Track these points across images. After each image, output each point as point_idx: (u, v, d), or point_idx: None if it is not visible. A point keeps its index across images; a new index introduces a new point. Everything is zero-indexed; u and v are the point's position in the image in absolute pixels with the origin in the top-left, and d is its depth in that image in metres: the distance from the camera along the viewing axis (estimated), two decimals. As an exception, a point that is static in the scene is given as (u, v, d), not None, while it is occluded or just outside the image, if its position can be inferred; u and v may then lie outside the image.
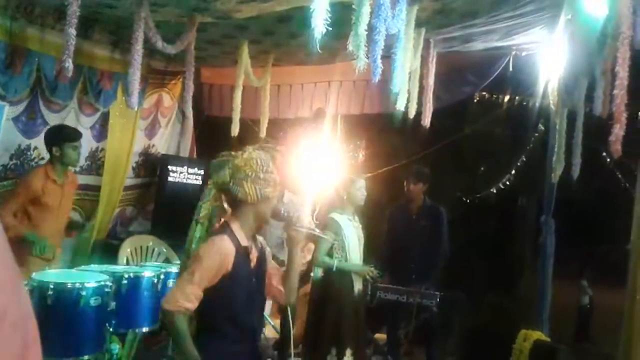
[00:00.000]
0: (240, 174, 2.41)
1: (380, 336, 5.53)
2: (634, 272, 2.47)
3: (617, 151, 2.66)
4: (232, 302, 2.41)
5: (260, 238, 2.64)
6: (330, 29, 2.34)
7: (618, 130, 2.63)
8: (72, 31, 3.16)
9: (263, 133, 5.53)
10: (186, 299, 2.28)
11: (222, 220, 2.51)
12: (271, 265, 2.69)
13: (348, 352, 4.28)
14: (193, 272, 2.30)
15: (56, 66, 4.47)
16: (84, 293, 3.14)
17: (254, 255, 2.50)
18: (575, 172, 4.15)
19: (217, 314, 2.39)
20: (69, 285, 3.15)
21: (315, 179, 6.28)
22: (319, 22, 2.14)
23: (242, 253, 2.42)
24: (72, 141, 4.14)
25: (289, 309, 5.34)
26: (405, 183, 5.24)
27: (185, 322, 2.29)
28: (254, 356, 2.57)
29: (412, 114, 4.48)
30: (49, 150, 4.15)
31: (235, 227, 2.44)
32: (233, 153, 2.50)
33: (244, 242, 2.44)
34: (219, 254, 2.34)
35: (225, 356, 2.42)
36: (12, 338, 0.79)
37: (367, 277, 4.36)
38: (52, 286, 3.08)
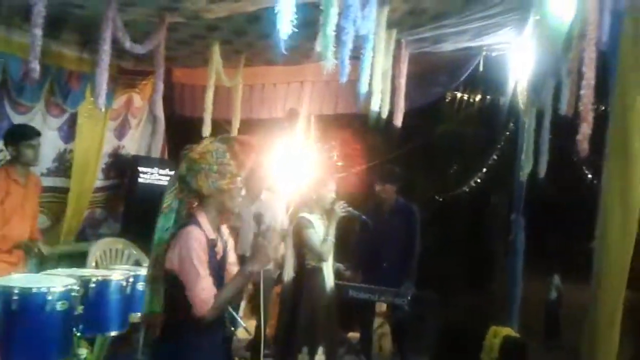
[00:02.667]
0: (195, 166, 2.47)
1: (353, 335, 5.53)
2: (597, 268, 2.52)
3: (584, 150, 2.70)
4: None
5: (223, 228, 2.67)
6: (300, 29, 2.33)
7: (585, 129, 2.67)
8: (38, 31, 3.08)
9: (235, 133, 5.49)
10: (207, 293, 2.36)
11: (189, 211, 2.55)
12: (233, 256, 2.76)
13: (320, 350, 4.27)
14: (194, 269, 2.36)
15: (23, 67, 4.37)
16: (50, 298, 3.07)
17: (219, 248, 2.57)
18: (542, 169, 4.21)
19: (188, 304, 2.41)
20: (34, 290, 3.08)
21: (289, 179, 6.27)
22: (285, 22, 2.13)
23: (210, 245, 2.47)
24: (28, 139, 3.99)
25: (262, 309, 5.31)
26: (376, 184, 5.23)
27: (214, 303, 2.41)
28: (221, 343, 2.67)
29: (384, 114, 4.50)
30: (7, 150, 4.05)
31: (202, 219, 2.49)
32: (193, 146, 2.55)
33: (211, 234, 2.49)
34: (195, 240, 2.40)
35: (195, 344, 2.46)
36: None
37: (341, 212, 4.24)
38: (16, 291, 3.01)
